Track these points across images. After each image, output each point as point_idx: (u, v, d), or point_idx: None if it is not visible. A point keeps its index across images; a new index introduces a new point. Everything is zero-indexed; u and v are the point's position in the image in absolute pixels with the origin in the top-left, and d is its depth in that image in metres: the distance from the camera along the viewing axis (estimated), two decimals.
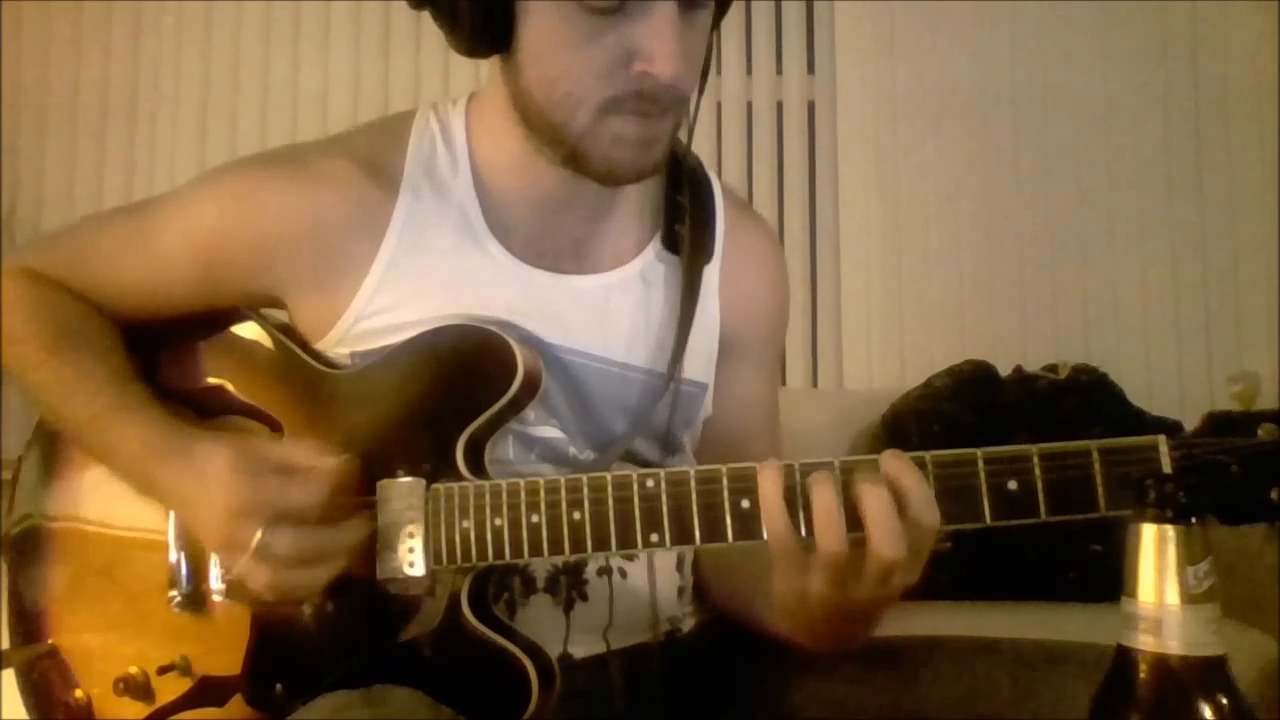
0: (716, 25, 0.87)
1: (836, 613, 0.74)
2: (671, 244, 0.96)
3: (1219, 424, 0.68)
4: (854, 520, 0.70)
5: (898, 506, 0.69)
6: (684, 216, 0.95)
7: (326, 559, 0.80)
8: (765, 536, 0.72)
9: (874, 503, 0.69)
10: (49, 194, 2.76)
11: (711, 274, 0.97)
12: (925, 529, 0.69)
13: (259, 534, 0.77)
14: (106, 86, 2.79)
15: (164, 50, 2.78)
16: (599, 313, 0.93)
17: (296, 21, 2.77)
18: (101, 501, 0.95)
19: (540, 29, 0.80)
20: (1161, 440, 0.68)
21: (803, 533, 0.72)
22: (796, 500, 0.72)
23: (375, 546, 0.82)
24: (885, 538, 0.69)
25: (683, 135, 0.90)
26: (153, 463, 0.85)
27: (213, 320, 0.95)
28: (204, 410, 0.93)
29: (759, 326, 1.01)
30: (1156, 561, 0.56)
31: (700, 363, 0.96)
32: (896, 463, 0.71)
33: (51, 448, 1.00)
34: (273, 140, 2.69)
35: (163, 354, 0.96)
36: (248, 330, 0.95)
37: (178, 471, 0.84)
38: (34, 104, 2.78)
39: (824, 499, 0.70)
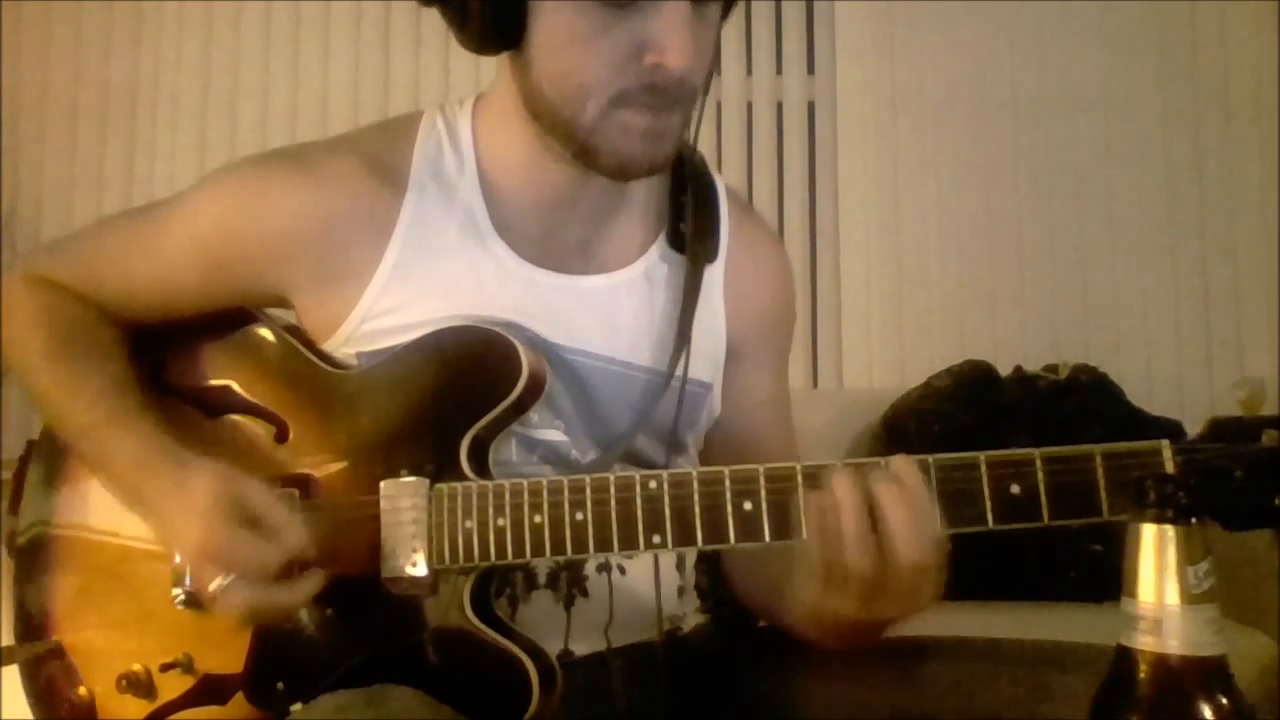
0: (723, 23, 0.87)
1: (861, 623, 0.75)
2: (676, 243, 0.96)
3: (1223, 429, 0.68)
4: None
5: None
6: (688, 216, 0.95)
7: (281, 612, 0.84)
8: (814, 563, 0.72)
9: (893, 504, 0.70)
10: (49, 194, 2.76)
11: (716, 274, 0.97)
12: (930, 539, 0.70)
13: (216, 582, 0.80)
14: (106, 86, 2.79)
15: (164, 50, 2.78)
16: (604, 312, 0.93)
17: (296, 21, 2.77)
18: (107, 505, 0.95)
19: (552, 23, 0.80)
20: (1165, 445, 0.68)
21: (804, 535, 0.72)
22: (796, 506, 0.73)
23: (378, 546, 0.83)
24: (909, 538, 0.69)
25: (685, 135, 0.90)
26: (139, 475, 0.87)
27: (220, 320, 0.95)
28: (210, 409, 0.93)
29: (764, 326, 1.01)
30: (1156, 562, 0.56)
31: (704, 363, 0.97)
32: (906, 471, 0.71)
33: (57, 454, 1.00)
34: (273, 140, 2.69)
35: (170, 354, 0.96)
36: (254, 330, 0.95)
37: (160, 488, 0.85)
38: (34, 104, 2.78)
39: (850, 522, 0.70)
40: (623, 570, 0.93)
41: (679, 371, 0.92)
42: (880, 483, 0.71)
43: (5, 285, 0.97)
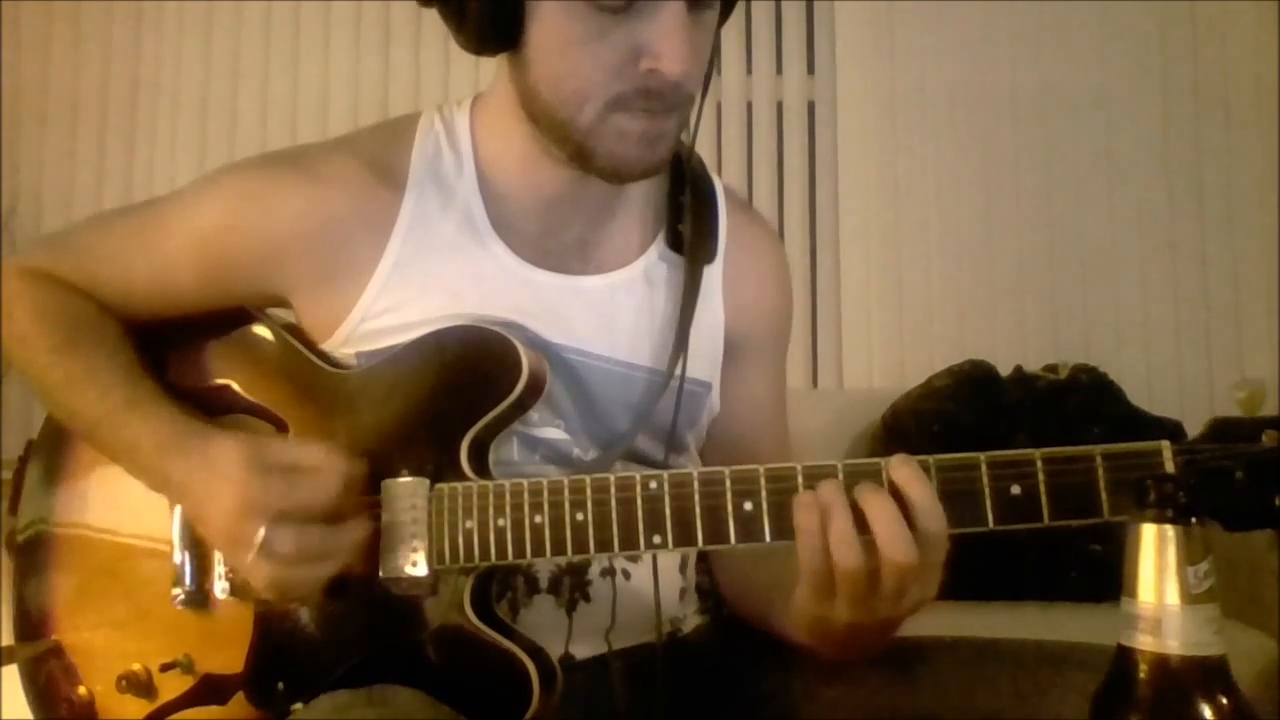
0: (720, 26, 0.87)
1: (857, 628, 0.75)
2: (675, 243, 0.96)
3: (1223, 430, 0.68)
4: (861, 525, 0.70)
5: (905, 515, 0.69)
6: (686, 216, 0.95)
7: (328, 557, 0.81)
8: (800, 567, 0.72)
9: (879, 510, 0.69)
10: (49, 194, 2.75)
11: (714, 274, 0.97)
12: (933, 536, 0.70)
13: (263, 530, 0.78)
14: (106, 86, 2.79)
15: (164, 50, 2.78)
16: (603, 312, 0.93)
17: (296, 21, 2.77)
18: (107, 504, 0.96)
19: (549, 26, 0.80)
20: (1165, 445, 0.68)
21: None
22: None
23: (378, 546, 0.83)
24: (894, 543, 0.69)
25: (684, 137, 0.90)
26: (164, 458, 0.86)
27: (219, 320, 0.95)
28: (210, 409, 0.93)
29: (763, 326, 1.01)
30: (1156, 561, 0.56)
31: (704, 362, 0.97)
32: (904, 470, 0.71)
33: (56, 453, 1.00)
34: (273, 140, 2.69)
35: (169, 353, 0.96)
36: (254, 330, 0.95)
37: (187, 467, 0.84)
38: (34, 104, 2.78)
39: (839, 523, 0.70)
40: (627, 575, 0.93)
41: (678, 371, 0.92)
42: (868, 484, 0.71)
43: (5, 279, 0.96)
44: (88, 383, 0.90)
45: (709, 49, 0.85)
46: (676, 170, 0.96)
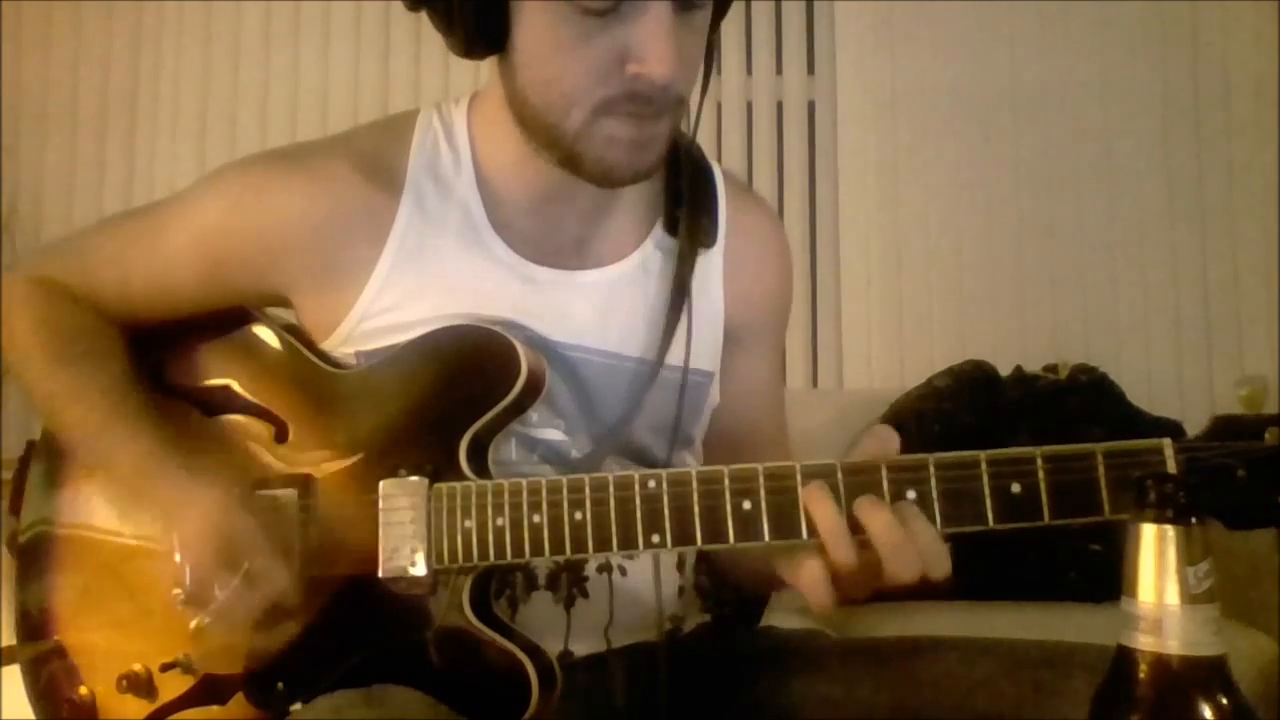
0: (716, 26, 0.86)
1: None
2: (673, 230, 0.95)
3: (1225, 428, 0.68)
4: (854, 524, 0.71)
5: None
6: (684, 202, 0.95)
7: (248, 658, 0.86)
8: (830, 559, 0.73)
9: (878, 525, 0.70)
10: (49, 194, 2.76)
11: (715, 261, 0.97)
12: (935, 554, 0.71)
13: (195, 621, 0.83)
14: (106, 87, 2.79)
15: (164, 51, 2.79)
16: (603, 307, 0.93)
17: (296, 22, 2.78)
18: (109, 505, 0.96)
19: (534, 30, 0.80)
20: (1166, 443, 0.68)
21: (803, 535, 0.73)
22: (795, 505, 0.73)
23: (377, 546, 0.83)
24: (896, 558, 0.70)
25: (685, 128, 0.90)
26: (140, 486, 0.90)
27: (219, 320, 0.96)
28: (209, 409, 0.93)
29: (764, 312, 1.01)
30: (1156, 561, 0.56)
31: (705, 351, 0.96)
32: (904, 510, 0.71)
33: (58, 454, 1.00)
34: (273, 140, 2.69)
35: (170, 353, 0.97)
36: (254, 330, 0.95)
37: (155, 503, 0.89)
38: (34, 104, 2.78)
39: (826, 517, 0.71)
40: (623, 571, 0.93)
41: (680, 363, 0.91)
42: (866, 506, 0.71)
43: (6, 287, 0.97)
44: (75, 398, 0.91)
45: (700, 50, 0.84)
46: (674, 158, 0.96)
